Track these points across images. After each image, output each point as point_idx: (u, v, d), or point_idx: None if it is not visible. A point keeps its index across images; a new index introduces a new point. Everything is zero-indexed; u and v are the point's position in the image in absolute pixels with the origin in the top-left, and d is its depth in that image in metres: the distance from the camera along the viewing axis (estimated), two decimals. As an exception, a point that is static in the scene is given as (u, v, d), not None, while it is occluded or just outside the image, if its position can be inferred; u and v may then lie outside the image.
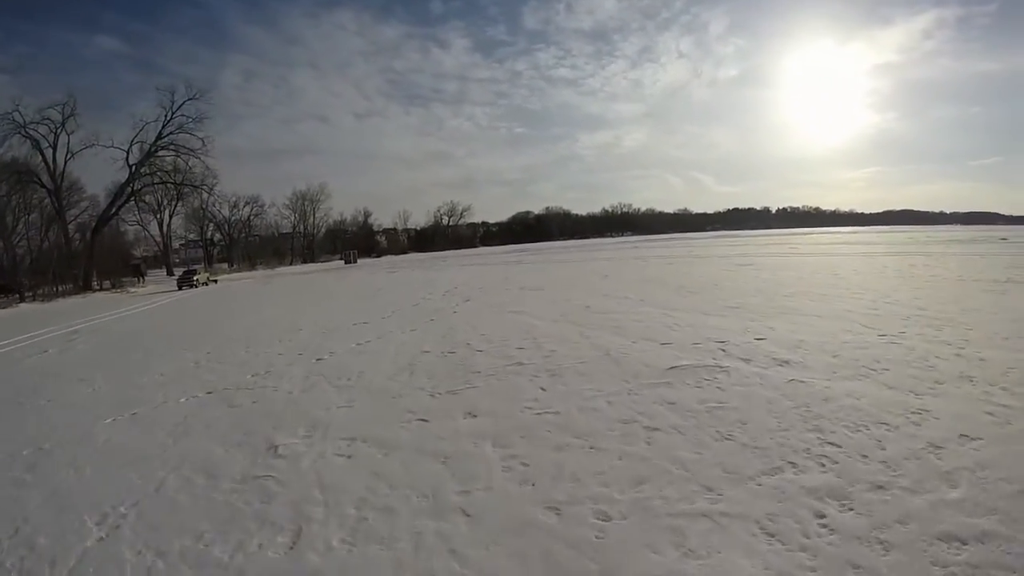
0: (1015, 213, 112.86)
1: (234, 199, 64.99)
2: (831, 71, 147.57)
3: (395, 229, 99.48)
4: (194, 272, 32.98)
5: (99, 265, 39.69)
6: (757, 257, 21.68)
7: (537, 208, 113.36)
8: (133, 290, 36.17)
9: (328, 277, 30.39)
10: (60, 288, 30.76)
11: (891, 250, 22.94)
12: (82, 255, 35.61)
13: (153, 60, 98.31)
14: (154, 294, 28.61)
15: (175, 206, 47.48)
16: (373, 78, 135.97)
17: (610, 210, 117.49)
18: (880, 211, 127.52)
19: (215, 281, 35.76)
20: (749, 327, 7.14)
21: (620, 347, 6.43)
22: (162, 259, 56.39)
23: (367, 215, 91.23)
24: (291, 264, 64.61)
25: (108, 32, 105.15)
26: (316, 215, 77.11)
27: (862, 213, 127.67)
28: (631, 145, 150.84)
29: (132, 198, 37.12)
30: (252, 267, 57.51)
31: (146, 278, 44.59)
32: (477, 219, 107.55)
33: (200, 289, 29.36)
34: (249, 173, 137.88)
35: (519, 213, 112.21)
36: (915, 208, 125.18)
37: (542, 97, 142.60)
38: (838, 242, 33.29)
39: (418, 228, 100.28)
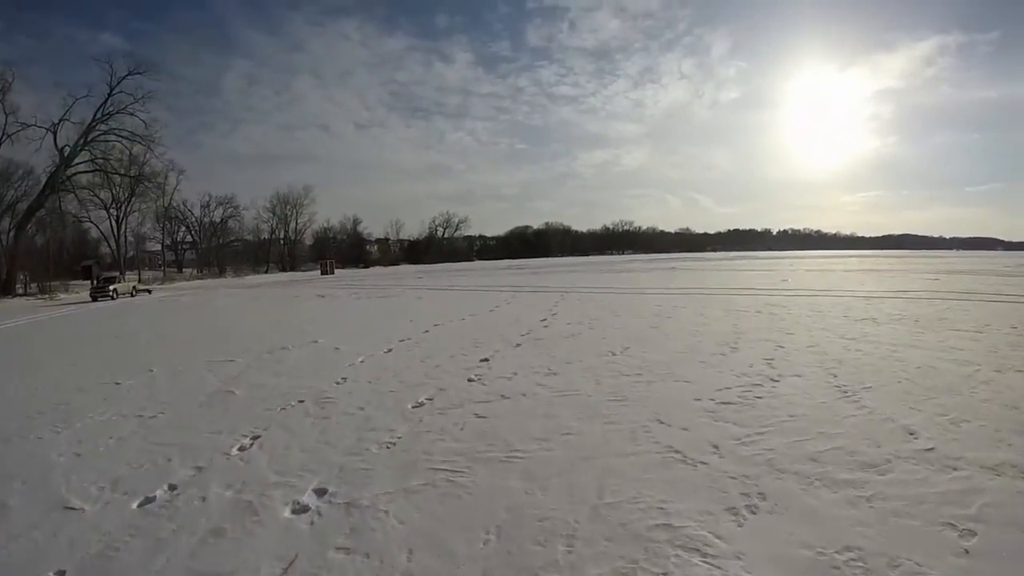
0: (1014, 239, 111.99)
1: (205, 199, 59.40)
2: (833, 95, 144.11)
3: (387, 239, 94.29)
4: (111, 280, 26.95)
5: (33, 265, 34.55)
6: (890, 298, 16.41)
7: (535, 224, 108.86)
8: (63, 296, 30.74)
9: (235, 303, 24.82)
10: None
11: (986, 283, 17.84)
12: (3, 254, 30.15)
13: (156, 60, 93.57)
14: (63, 305, 23.14)
15: (129, 202, 41.67)
16: (375, 89, 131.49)
17: (611, 227, 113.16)
18: (880, 235, 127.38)
19: (148, 291, 29.92)
20: None
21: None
22: (127, 261, 50.51)
23: (356, 223, 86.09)
24: (266, 272, 58.92)
25: (113, 29, 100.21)
26: (299, 220, 71.75)
27: (863, 237, 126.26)
28: (630, 164, 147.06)
29: (58, 189, 31.32)
30: (220, 274, 51.88)
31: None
32: (474, 232, 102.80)
33: (119, 302, 23.60)
34: (247, 178, 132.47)
35: (517, 227, 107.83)
36: (914, 232, 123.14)
37: (543, 114, 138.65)
38: (896, 269, 28.27)
39: (411, 239, 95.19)
